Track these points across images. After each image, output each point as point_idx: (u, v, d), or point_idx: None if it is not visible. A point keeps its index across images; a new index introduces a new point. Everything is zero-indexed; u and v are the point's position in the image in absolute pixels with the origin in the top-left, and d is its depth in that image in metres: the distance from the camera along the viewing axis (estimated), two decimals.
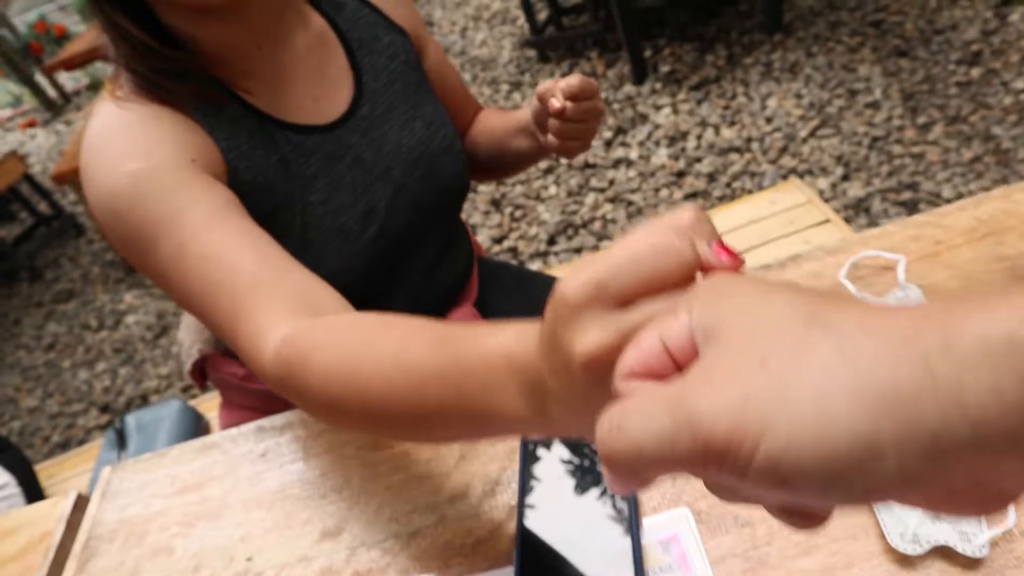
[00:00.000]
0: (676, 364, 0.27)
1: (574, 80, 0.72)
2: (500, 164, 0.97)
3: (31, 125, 5.41)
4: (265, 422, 0.78)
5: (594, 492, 0.57)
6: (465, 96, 0.98)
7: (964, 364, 0.20)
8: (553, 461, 0.60)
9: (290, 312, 0.54)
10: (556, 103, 0.73)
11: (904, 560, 0.49)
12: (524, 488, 0.58)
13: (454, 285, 0.93)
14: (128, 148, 0.63)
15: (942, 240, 0.71)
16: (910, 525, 0.49)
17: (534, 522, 0.56)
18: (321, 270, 0.62)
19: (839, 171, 2.18)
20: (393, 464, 0.68)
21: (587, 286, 0.29)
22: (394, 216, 0.80)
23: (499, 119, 0.95)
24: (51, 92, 5.43)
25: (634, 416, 0.25)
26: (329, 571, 0.61)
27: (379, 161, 0.79)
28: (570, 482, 0.58)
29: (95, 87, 5.28)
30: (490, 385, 0.38)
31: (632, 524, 0.54)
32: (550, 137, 0.78)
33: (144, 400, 2.58)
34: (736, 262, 0.30)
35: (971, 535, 0.48)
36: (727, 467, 0.23)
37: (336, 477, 0.69)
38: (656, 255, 0.29)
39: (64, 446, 2.54)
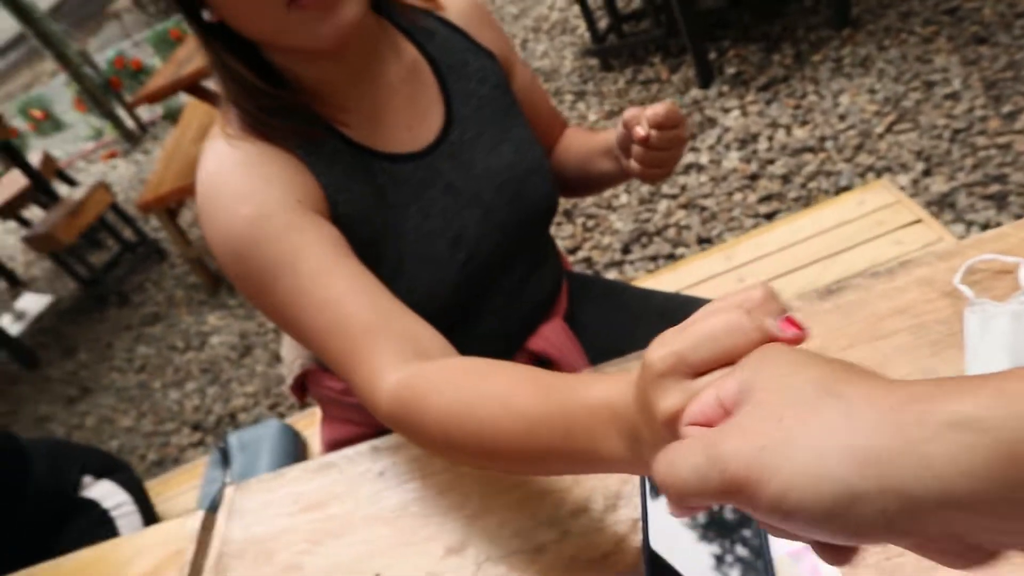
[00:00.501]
0: (727, 415, 0.33)
1: (660, 108, 0.73)
2: (584, 183, 0.99)
3: (112, 156, 5.69)
4: (379, 442, 0.81)
5: (727, 507, 0.57)
6: (552, 115, 1.00)
7: (930, 435, 0.25)
8: None
9: (400, 355, 0.61)
10: (641, 131, 0.74)
11: None
12: (647, 498, 0.59)
13: (543, 301, 0.95)
14: (242, 191, 0.69)
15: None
16: None
17: (659, 539, 0.57)
18: (414, 295, 0.68)
19: (920, 167, 2.12)
20: (511, 481, 0.69)
21: (670, 357, 0.36)
22: (483, 240, 0.82)
23: (585, 139, 0.97)
24: (130, 124, 5.69)
25: (681, 454, 0.32)
26: None
27: (469, 185, 0.82)
28: None
29: (170, 116, 5.52)
30: (594, 430, 0.44)
31: (761, 534, 0.54)
32: (633, 163, 0.79)
33: (233, 418, 2.68)
34: (800, 334, 0.35)
35: None
36: (744, 501, 0.30)
37: (455, 495, 0.71)
38: (728, 334, 0.35)
39: (160, 463, 2.65)
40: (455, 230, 0.80)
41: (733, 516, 0.57)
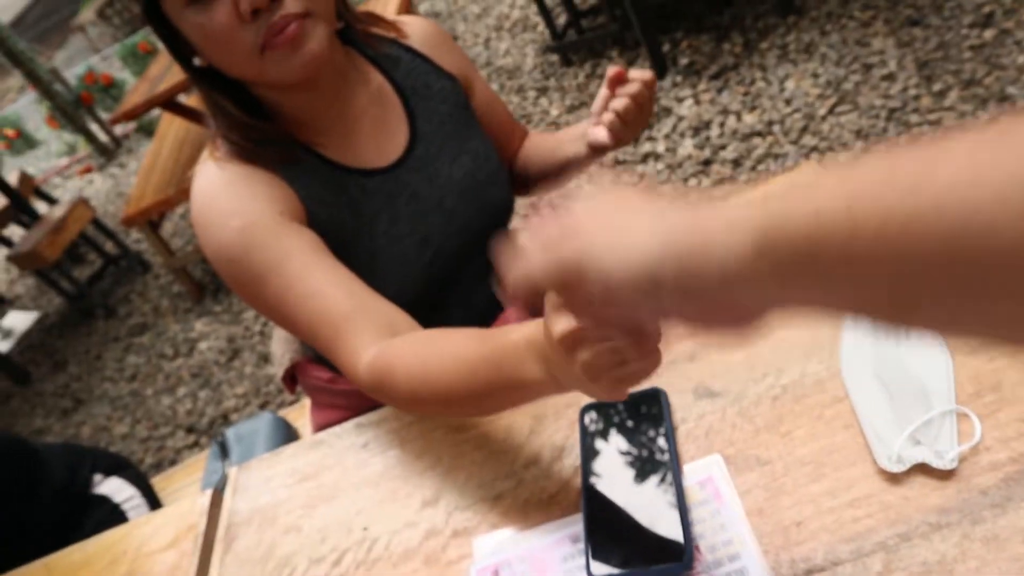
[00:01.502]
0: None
1: (641, 72, 0.87)
2: (550, 175, 1.08)
3: (88, 171, 5.73)
4: (363, 419, 0.93)
5: (646, 451, 0.70)
6: (512, 124, 1.11)
7: (715, 228, 0.35)
8: (610, 427, 0.74)
9: (376, 335, 0.73)
10: (618, 70, 0.86)
11: (892, 477, 0.61)
12: (585, 450, 0.72)
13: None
14: (231, 206, 0.80)
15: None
16: (894, 449, 0.61)
17: (596, 476, 0.69)
18: (387, 292, 0.79)
19: (859, 146, 2.27)
20: (475, 443, 0.82)
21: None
22: (447, 240, 0.94)
23: (549, 135, 1.08)
24: (103, 138, 5.73)
25: (528, 261, 0.45)
26: (432, 531, 0.75)
27: (432, 194, 0.93)
28: (625, 443, 0.71)
29: (143, 129, 5.57)
30: (517, 359, 0.57)
31: (674, 469, 0.67)
32: (606, 115, 0.89)
33: (225, 419, 2.78)
34: None
35: (944, 452, 0.60)
36: (577, 283, 0.41)
37: (429, 457, 0.83)
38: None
39: (158, 466, 2.75)
40: (421, 233, 0.92)
41: (649, 453, 0.70)
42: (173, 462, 2.73)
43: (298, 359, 1.09)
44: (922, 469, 0.60)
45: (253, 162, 0.83)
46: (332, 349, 0.75)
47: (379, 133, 0.92)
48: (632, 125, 0.89)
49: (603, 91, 0.89)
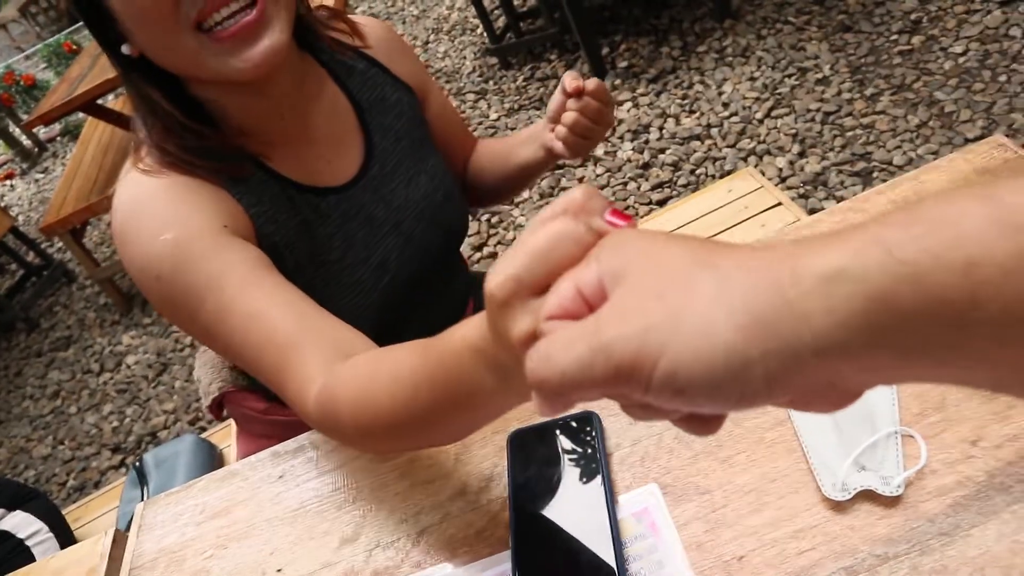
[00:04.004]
0: (589, 307, 0.32)
1: (594, 81, 0.81)
2: (505, 182, 1.02)
3: (9, 177, 5.45)
4: (280, 447, 0.86)
5: (579, 480, 0.66)
6: (464, 132, 1.04)
7: (807, 291, 0.26)
8: (540, 455, 0.69)
9: (326, 361, 0.62)
10: (577, 83, 0.80)
11: (837, 506, 0.57)
12: (514, 480, 0.67)
13: (457, 308, 1.01)
14: (165, 216, 0.69)
15: (862, 223, 0.80)
16: (839, 475, 0.58)
17: (525, 508, 0.64)
18: (342, 319, 0.69)
19: (796, 148, 2.28)
20: (399, 472, 0.76)
21: (508, 283, 0.35)
22: (404, 266, 0.87)
23: (500, 141, 1.02)
24: (26, 142, 5.47)
25: (558, 347, 0.31)
26: (351, 572, 0.69)
27: (389, 216, 0.86)
28: (557, 473, 0.67)
29: (70, 133, 5.33)
30: (466, 372, 0.45)
31: (608, 501, 0.63)
32: (559, 129, 0.84)
33: (153, 437, 2.65)
34: (630, 223, 0.35)
35: (890, 478, 0.57)
36: (634, 384, 0.29)
37: (349, 490, 0.77)
38: (558, 244, 0.34)
39: (81, 489, 2.61)
40: (378, 258, 0.84)
41: (581, 480, 0.65)
42: (98, 484, 2.59)
43: (228, 388, 1.00)
44: (868, 496, 0.57)
45: (191, 173, 0.72)
46: (278, 379, 0.65)
47: (333, 148, 0.84)
48: (589, 137, 0.84)
49: (558, 96, 0.84)
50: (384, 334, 0.86)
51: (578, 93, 0.81)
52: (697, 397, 0.28)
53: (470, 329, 0.44)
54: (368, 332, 0.75)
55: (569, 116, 0.82)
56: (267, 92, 0.75)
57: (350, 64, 0.87)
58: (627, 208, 2.40)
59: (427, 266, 0.91)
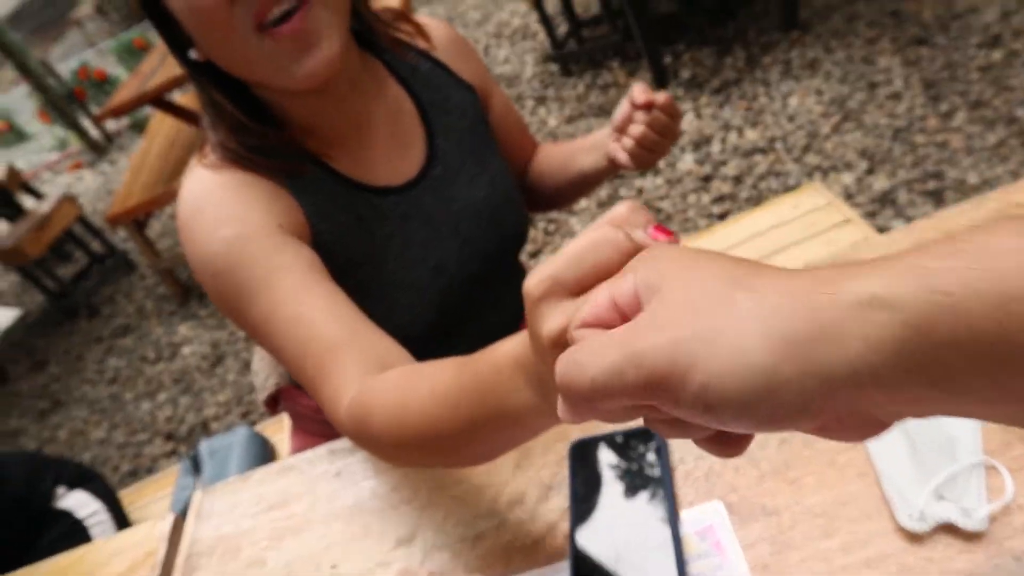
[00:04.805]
0: (623, 316, 0.32)
1: (664, 95, 0.80)
2: (563, 189, 1.01)
3: (78, 167, 5.66)
4: (337, 444, 0.86)
5: (641, 494, 0.64)
6: (525, 135, 1.04)
7: (843, 316, 0.26)
8: (602, 466, 0.67)
9: (363, 371, 0.62)
10: (647, 96, 0.80)
11: (913, 537, 0.55)
12: (575, 491, 0.66)
13: (513, 318, 0.99)
14: (222, 214, 0.71)
15: (902, 252, 0.77)
16: (917, 505, 0.55)
17: (585, 521, 0.63)
18: (394, 321, 0.70)
19: (863, 165, 2.22)
20: (456, 476, 0.76)
21: (545, 282, 0.36)
22: (461, 267, 0.86)
23: (562, 146, 1.01)
24: (95, 134, 5.66)
25: (589, 354, 0.31)
26: (406, 572, 0.69)
27: (448, 218, 0.85)
28: (619, 485, 0.65)
29: (136, 127, 5.50)
30: (504, 386, 0.45)
31: (671, 517, 0.61)
32: (625, 140, 0.83)
33: (205, 427, 2.71)
34: (671, 238, 0.36)
35: (972, 511, 0.54)
36: (665, 396, 0.29)
37: (405, 490, 0.77)
38: (599, 248, 0.35)
39: (133, 474, 2.68)
40: (435, 259, 0.84)
41: (647, 503, 0.63)
42: (150, 470, 2.66)
43: (284, 384, 1.01)
44: (947, 528, 0.54)
45: (252, 170, 0.74)
46: (315, 383, 0.66)
47: (394, 148, 0.84)
48: (654, 151, 0.83)
49: (625, 106, 0.83)
50: (440, 337, 0.86)
51: (648, 106, 0.80)
52: (726, 414, 0.28)
53: (512, 343, 0.44)
54: (424, 334, 0.75)
55: (636, 128, 0.81)
56: (327, 94, 0.76)
57: (413, 64, 0.88)
58: (687, 220, 2.37)
59: (486, 269, 0.90)
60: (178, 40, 0.73)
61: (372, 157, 0.82)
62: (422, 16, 0.92)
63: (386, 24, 0.86)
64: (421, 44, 0.89)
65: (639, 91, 0.81)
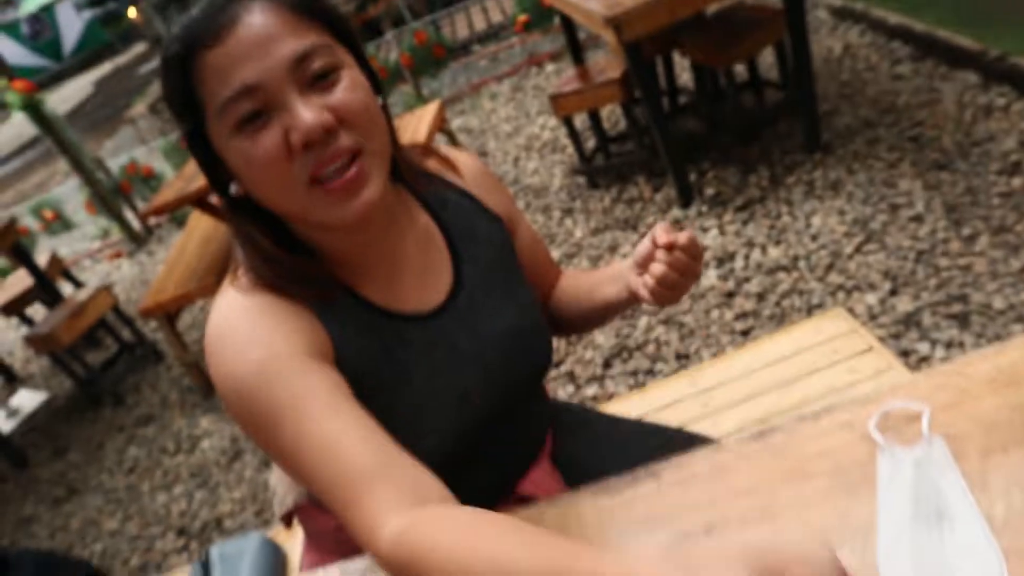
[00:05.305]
0: None
1: (686, 235, 0.82)
2: (586, 317, 1.03)
3: (118, 256, 5.83)
4: (349, 565, 0.85)
5: None
6: (549, 262, 1.06)
7: None
8: None
9: (399, 502, 0.64)
10: (668, 237, 0.82)
11: None
12: None
13: (535, 445, 0.99)
14: (252, 336, 0.73)
15: (966, 389, 0.76)
16: None
17: None
18: (417, 446, 0.70)
19: (887, 286, 2.23)
20: None
21: None
22: (484, 396, 0.86)
23: (586, 274, 1.04)
24: (136, 226, 5.86)
25: None
26: None
27: (473, 346, 0.86)
28: None
29: (176, 220, 5.70)
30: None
31: None
32: (647, 278, 0.84)
33: (219, 523, 2.68)
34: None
35: None
36: None
37: None
38: None
39: (143, 569, 2.63)
40: (461, 387, 0.85)
41: None
42: (159, 567, 2.61)
43: (303, 503, 1.01)
44: None
45: (282, 295, 0.77)
46: (349, 512, 0.66)
47: (423, 277, 0.86)
48: (675, 289, 0.84)
49: (647, 244, 0.85)
50: (458, 462, 0.85)
51: (670, 247, 0.82)
52: None
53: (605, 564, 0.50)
54: (443, 458, 0.75)
55: (658, 268, 0.83)
56: (361, 230, 0.79)
57: (443, 195, 0.91)
58: (709, 336, 2.37)
59: (510, 398, 0.90)
60: (220, 176, 0.77)
61: (400, 285, 0.85)
62: (451, 150, 0.97)
63: (417, 158, 0.91)
64: (450, 177, 0.93)
65: (661, 231, 0.83)
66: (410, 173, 0.88)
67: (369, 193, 0.72)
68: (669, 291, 0.84)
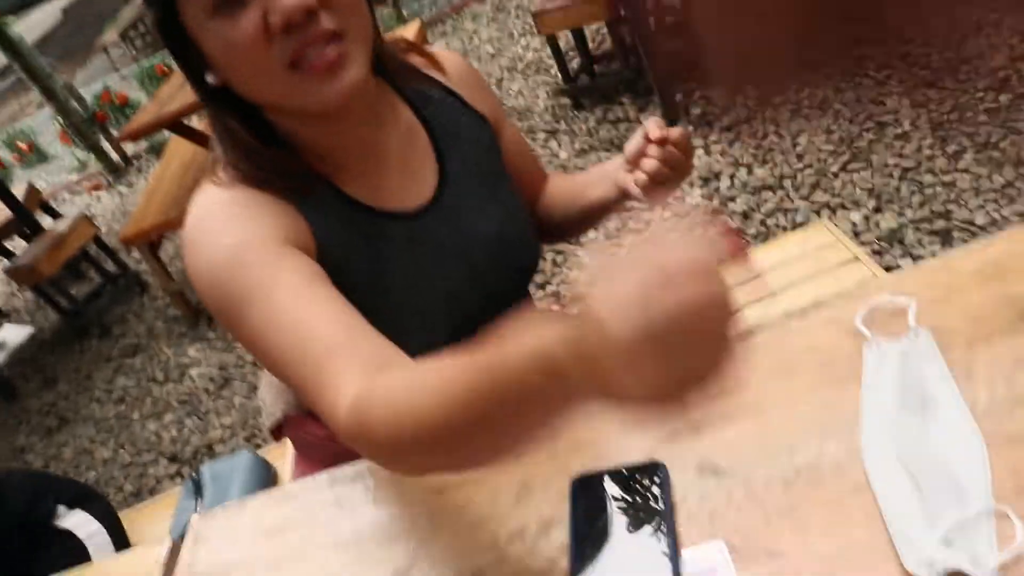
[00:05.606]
0: None
1: (679, 130, 0.81)
2: (574, 219, 1.01)
3: (96, 188, 5.72)
4: (337, 472, 0.86)
5: (643, 530, 0.63)
6: (536, 167, 1.05)
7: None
8: (603, 501, 0.67)
9: (364, 372, 0.60)
10: (661, 131, 0.81)
11: None
12: (575, 526, 0.65)
13: None
14: (228, 224, 0.71)
15: (952, 283, 0.76)
16: (925, 551, 0.55)
17: (586, 556, 0.63)
18: (403, 348, 0.66)
19: (871, 204, 2.22)
20: (456, 509, 0.75)
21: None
22: (473, 298, 0.86)
23: (573, 178, 1.02)
24: (114, 156, 5.74)
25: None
26: None
27: (459, 247, 0.85)
28: (620, 522, 0.65)
29: (154, 150, 5.58)
30: (524, 362, 0.46)
31: (672, 556, 0.60)
32: (638, 174, 0.83)
33: (210, 449, 2.70)
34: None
35: (982, 559, 0.53)
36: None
37: (405, 521, 0.77)
38: None
39: (137, 494, 2.67)
40: (445, 288, 0.84)
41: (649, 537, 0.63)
42: (153, 491, 2.65)
43: (291, 413, 1.00)
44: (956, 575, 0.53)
45: (262, 188, 0.75)
46: (314, 388, 0.63)
47: (405, 174, 0.84)
48: (667, 184, 0.83)
49: (639, 139, 0.84)
50: None
51: (662, 142, 0.81)
52: None
53: (538, 337, 0.46)
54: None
55: (650, 163, 0.82)
56: (343, 118, 0.76)
57: (427, 93, 0.89)
58: None
59: (496, 302, 0.90)
60: (195, 66, 0.73)
61: (383, 182, 0.83)
62: (436, 48, 0.94)
63: (400, 53, 0.87)
64: (434, 74, 0.90)
65: (654, 126, 0.81)
66: (393, 65, 0.85)
67: (351, 75, 0.69)
68: (660, 187, 0.83)
